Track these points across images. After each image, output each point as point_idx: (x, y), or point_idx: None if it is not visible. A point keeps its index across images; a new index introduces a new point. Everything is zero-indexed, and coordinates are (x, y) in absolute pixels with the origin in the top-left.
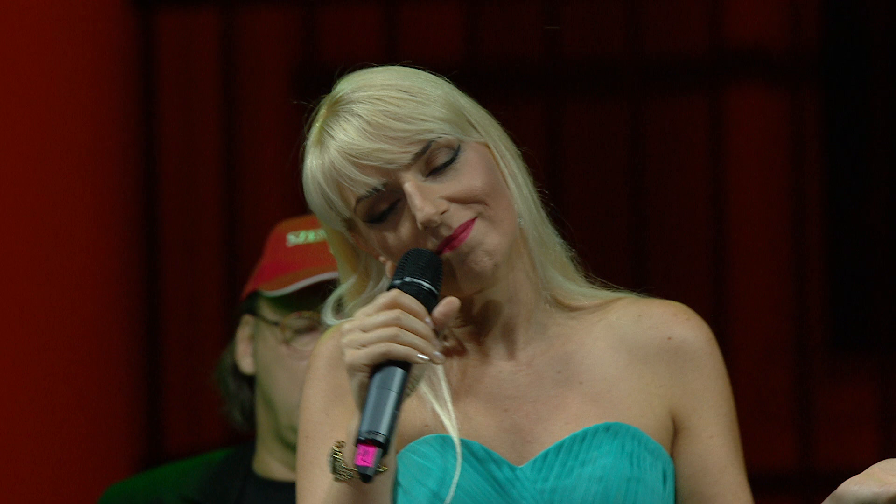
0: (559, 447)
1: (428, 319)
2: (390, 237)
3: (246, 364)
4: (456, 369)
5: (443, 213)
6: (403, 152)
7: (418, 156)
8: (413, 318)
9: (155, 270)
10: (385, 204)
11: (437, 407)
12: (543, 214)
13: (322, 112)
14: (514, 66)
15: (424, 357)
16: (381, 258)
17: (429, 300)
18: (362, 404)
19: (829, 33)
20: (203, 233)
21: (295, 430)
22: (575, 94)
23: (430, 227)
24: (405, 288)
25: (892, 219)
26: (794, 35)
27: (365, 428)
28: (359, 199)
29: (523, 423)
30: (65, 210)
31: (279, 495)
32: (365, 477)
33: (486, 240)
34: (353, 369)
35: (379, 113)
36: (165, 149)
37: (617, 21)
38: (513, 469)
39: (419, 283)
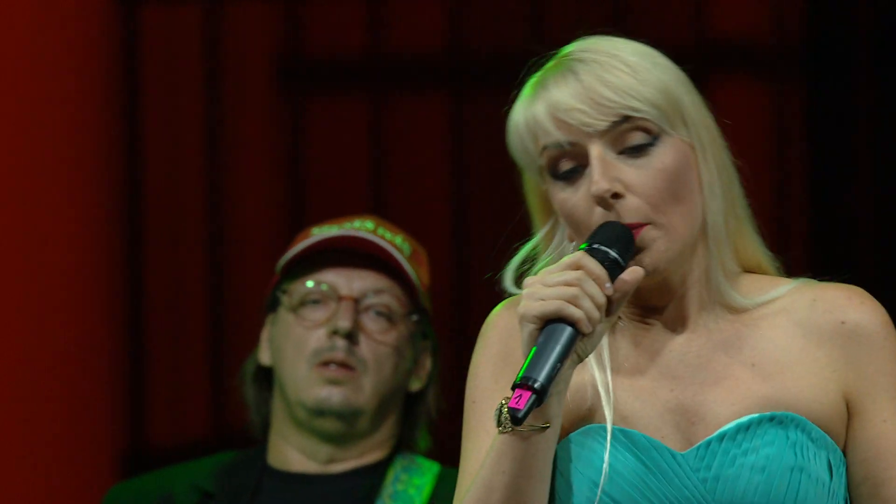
0: (722, 436)
1: (609, 285)
2: (566, 198)
3: (265, 357)
4: (624, 349)
5: (616, 195)
6: (600, 120)
7: (614, 125)
8: (593, 283)
9: (138, 263)
10: (569, 163)
11: (602, 393)
12: (743, 223)
13: (549, 64)
14: (498, 58)
15: (591, 327)
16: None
17: (613, 270)
18: (527, 353)
19: (812, 26)
20: (187, 226)
21: (301, 404)
22: None
23: (602, 200)
24: (592, 253)
25: (876, 210)
26: (777, 28)
27: (525, 373)
28: (544, 148)
29: (689, 404)
30: (48, 204)
31: (298, 487)
32: (515, 419)
33: (654, 245)
34: (524, 319)
35: (593, 76)
36: (149, 143)
37: (605, 11)
38: (674, 456)
39: (606, 251)
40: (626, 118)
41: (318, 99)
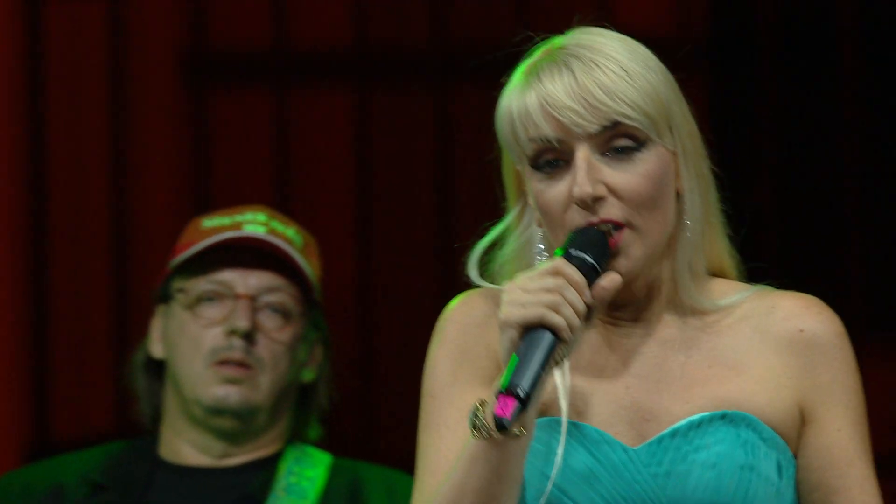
0: (675, 432)
1: (587, 293)
2: (543, 189)
3: (157, 350)
4: (585, 345)
5: (598, 198)
6: (591, 122)
7: (603, 130)
8: (574, 291)
9: (42, 259)
10: (553, 156)
11: (559, 387)
12: (716, 229)
13: (541, 52)
14: (403, 52)
15: (572, 335)
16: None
17: (590, 275)
18: (507, 359)
19: (716, 20)
20: (91, 219)
21: (198, 402)
22: (463, 78)
23: (584, 203)
24: (569, 259)
25: (779, 202)
26: (682, 22)
27: (507, 381)
28: (531, 139)
29: (644, 402)
30: None
31: (191, 481)
32: (500, 427)
33: (630, 251)
34: (506, 325)
35: (590, 77)
36: (53, 136)
37: (510, 7)
38: (626, 451)
39: (583, 257)
40: (617, 123)
41: (222, 91)
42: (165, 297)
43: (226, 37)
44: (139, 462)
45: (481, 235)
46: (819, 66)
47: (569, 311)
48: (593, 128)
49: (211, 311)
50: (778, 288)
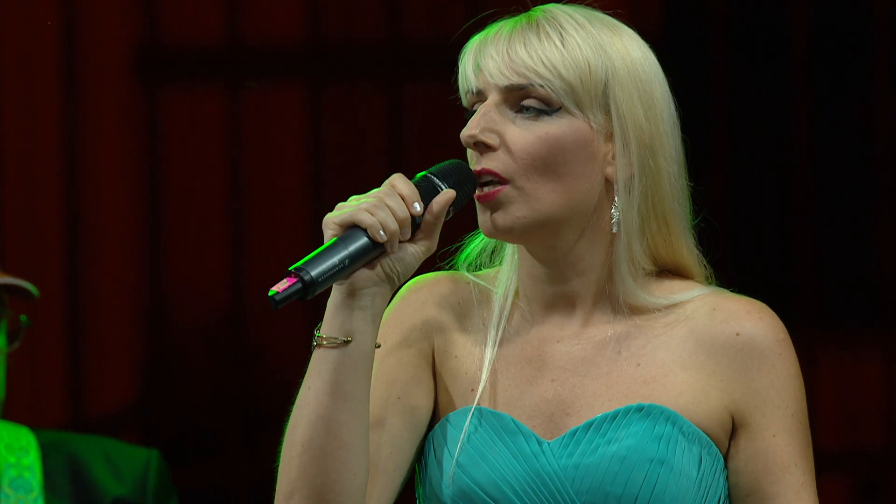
0: (589, 425)
1: (417, 205)
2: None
3: None
4: (518, 336)
5: (487, 145)
6: (504, 76)
7: (512, 89)
8: (397, 199)
9: None
10: (474, 101)
11: (483, 373)
12: (671, 226)
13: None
14: (356, 47)
15: (384, 236)
16: None
17: (435, 195)
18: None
19: (668, 15)
20: (44, 215)
21: None
22: (416, 75)
23: (467, 145)
24: (421, 180)
25: (731, 194)
26: (633, 16)
27: (301, 264)
28: (464, 91)
29: (567, 396)
30: None
31: None
32: (272, 302)
33: (511, 208)
34: (325, 225)
35: (523, 36)
36: (4, 133)
37: (457, 2)
38: (540, 443)
39: (433, 180)
40: (527, 84)
41: (174, 87)
42: None
43: (178, 32)
44: None
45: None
46: (770, 63)
47: (384, 214)
48: (503, 81)
49: None
50: (735, 290)
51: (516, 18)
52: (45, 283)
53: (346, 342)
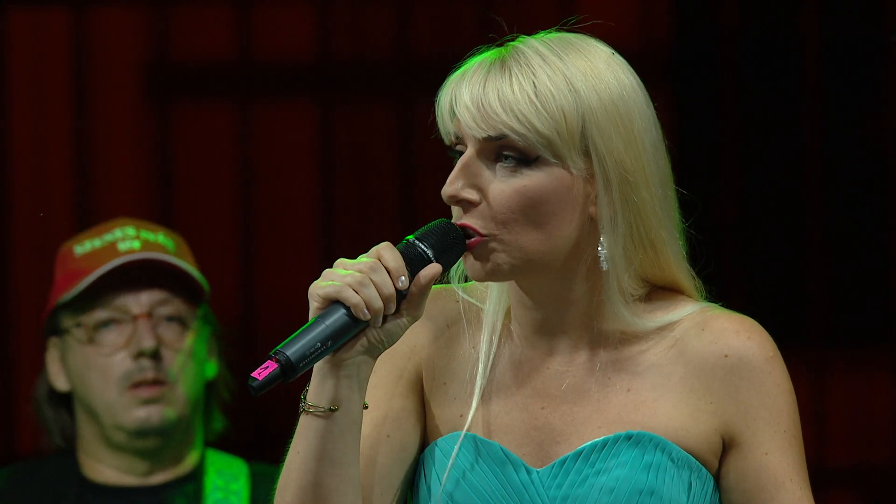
0: (578, 454)
1: (403, 279)
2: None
3: (60, 383)
4: (508, 364)
5: (467, 202)
6: (480, 128)
7: (490, 141)
8: (383, 273)
9: (5, 271)
10: (459, 151)
11: (474, 400)
12: (660, 251)
13: (498, 46)
14: (366, 64)
15: (368, 315)
16: None
17: (419, 265)
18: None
19: (679, 30)
20: (55, 232)
21: (119, 428)
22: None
23: (449, 201)
24: (406, 247)
25: (742, 213)
26: (644, 32)
27: (282, 346)
28: (445, 132)
29: (557, 424)
30: None
31: (117, 500)
32: (252, 389)
33: (493, 256)
34: (311, 297)
35: (495, 85)
36: (16, 150)
37: (472, 16)
38: (529, 473)
39: (418, 245)
40: (502, 136)
41: (184, 104)
42: (57, 331)
43: (189, 49)
44: (65, 482)
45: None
46: (781, 82)
47: (369, 292)
48: (480, 133)
49: (112, 338)
50: (726, 306)
51: (490, 54)
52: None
53: (333, 410)
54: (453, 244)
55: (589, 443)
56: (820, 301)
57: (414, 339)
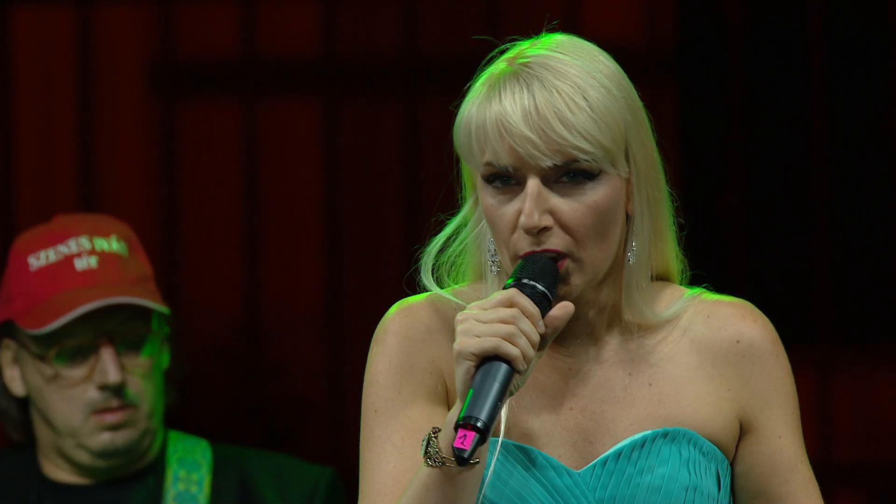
0: (618, 453)
1: (541, 323)
2: (493, 205)
3: (16, 388)
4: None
5: (544, 227)
6: (547, 156)
7: (556, 169)
8: (528, 321)
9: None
10: (506, 177)
11: (502, 407)
12: (667, 242)
13: (504, 62)
14: (372, 63)
15: (526, 366)
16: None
17: (542, 304)
18: (465, 391)
19: (684, 30)
20: None
21: (82, 447)
22: (431, 89)
23: (529, 233)
24: (521, 288)
25: (748, 210)
26: (650, 31)
27: (466, 413)
28: (487, 162)
29: (587, 424)
30: None
31: (80, 498)
32: (461, 460)
33: (571, 279)
34: (461, 356)
35: (551, 107)
36: (22, 146)
37: (477, 14)
38: (571, 475)
39: (534, 285)
40: (572, 160)
41: (190, 101)
42: (14, 338)
43: (194, 47)
44: (25, 479)
45: (438, 229)
46: (786, 76)
47: (523, 342)
48: (547, 163)
49: (76, 370)
50: (714, 291)
51: (514, 71)
52: None
53: (474, 463)
54: (555, 279)
55: (627, 441)
56: (826, 298)
57: (430, 353)
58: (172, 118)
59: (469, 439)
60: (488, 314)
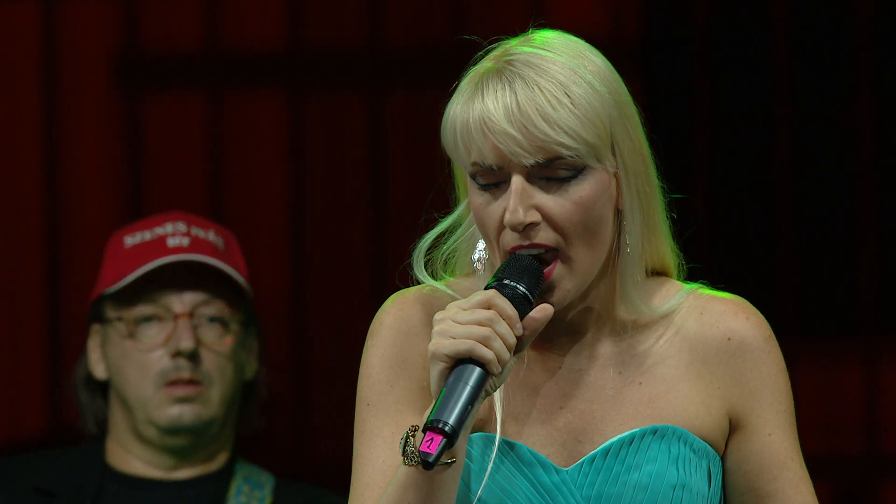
0: (606, 451)
1: (519, 325)
2: (481, 204)
3: (99, 371)
4: (519, 364)
5: (530, 223)
6: (529, 153)
7: (540, 166)
8: (505, 324)
9: None
10: (492, 179)
11: (497, 405)
12: (659, 234)
13: (490, 61)
14: (338, 55)
15: (500, 368)
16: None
17: (522, 305)
18: (438, 393)
19: (649, 22)
20: (24, 222)
21: (151, 423)
22: (397, 82)
23: (515, 230)
24: (502, 289)
25: (713, 204)
26: (614, 23)
27: (434, 416)
28: (473, 162)
29: (577, 423)
30: None
31: (141, 492)
32: (426, 464)
33: (561, 284)
34: (435, 358)
35: (533, 104)
36: None
37: (443, 11)
38: (559, 473)
39: (515, 287)
40: (556, 157)
41: (154, 94)
42: (100, 318)
43: (158, 39)
44: (88, 470)
45: (427, 227)
46: (752, 67)
47: (499, 345)
48: (529, 160)
49: (152, 335)
50: (711, 286)
51: (489, 67)
52: (24, 291)
53: (450, 463)
54: (537, 279)
55: (616, 438)
56: (790, 291)
57: (423, 347)
58: (137, 111)
59: (436, 443)
60: (465, 315)
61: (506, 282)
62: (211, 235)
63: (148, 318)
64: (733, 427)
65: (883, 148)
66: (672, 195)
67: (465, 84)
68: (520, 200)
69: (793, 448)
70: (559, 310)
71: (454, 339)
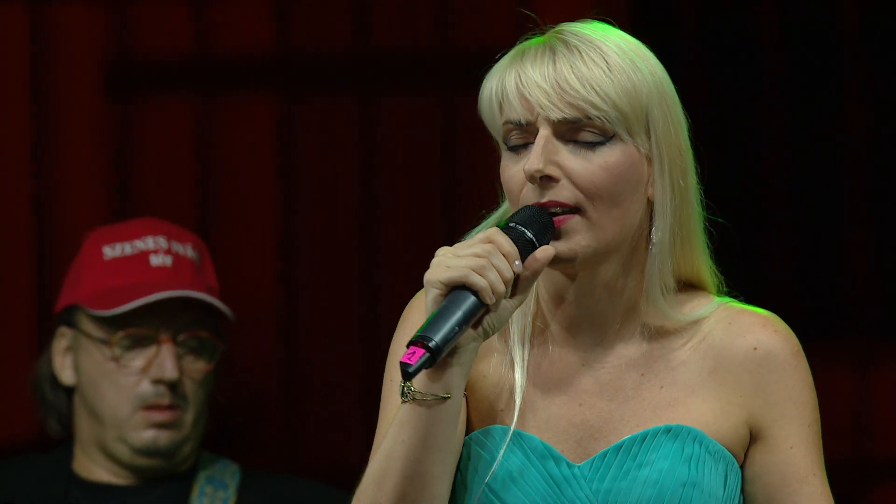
0: (619, 447)
1: (518, 263)
2: (507, 166)
3: (66, 376)
4: (546, 359)
5: (549, 177)
6: (557, 108)
7: (568, 122)
8: (502, 258)
9: None
10: (521, 138)
11: (517, 397)
12: (692, 241)
13: (542, 35)
14: (327, 60)
15: (493, 299)
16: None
17: (527, 249)
18: (428, 315)
19: (634, 20)
20: (14, 230)
21: (124, 441)
22: (388, 87)
23: (532, 179)
24: (508, 231)
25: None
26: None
27: (422, 332)
28: (505, 121)
29: (594, 420)
30: None
31: (105, 498)
32: (405, 374)
33: (576, 237)
34: (429, 284)
35: (568, 63)
36: None
37: (428, 14)
38: (570, 467)
39: (523, 231)
40: (584, 117)
41: (144, 99)
42: (71, 325)
43: (147, 45)
44: (53, 478)
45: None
46: (740, 66)
47: (493, 275)
48: (556, 114)
49: (135, 360)
50: (744, 300)
51: (538, 40)
52: (12, 295)
53: (446, 398)
54: (546, 227)
55: (629, 436)
56: (780, 295)
57: None
58: (127, 116)
59: (417, 356)
60: (465, 249)
61: (512, 225)
62: (189, 251)
63: (132, 344)
64: (753, 437)
65: (876, 150)
66: (711, 216)
67: (507, 56)
68: (542, 152)
69: (815, 464)
70: (586, 298)
71: (449, 267)
